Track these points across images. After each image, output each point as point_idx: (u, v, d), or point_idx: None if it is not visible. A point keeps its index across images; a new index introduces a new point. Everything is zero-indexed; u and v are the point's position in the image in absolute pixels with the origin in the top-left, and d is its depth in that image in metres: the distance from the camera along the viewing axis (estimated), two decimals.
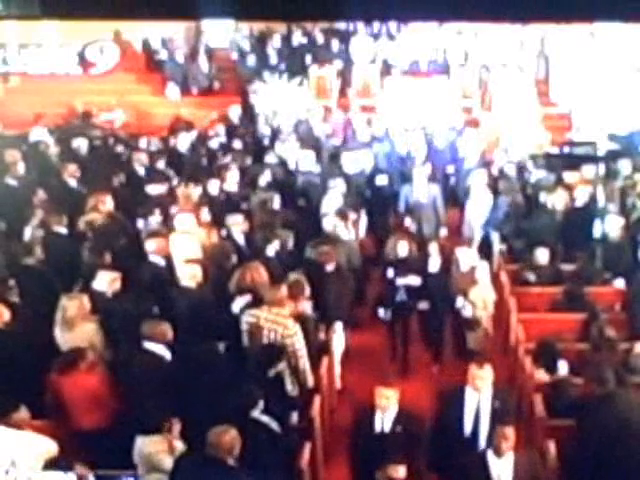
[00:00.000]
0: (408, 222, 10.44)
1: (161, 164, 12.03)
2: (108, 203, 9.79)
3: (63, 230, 9.25)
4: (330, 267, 8.66)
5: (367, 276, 10.30)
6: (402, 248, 9.00)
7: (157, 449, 6.01)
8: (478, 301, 8.68)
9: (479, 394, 6.10)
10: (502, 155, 12.50)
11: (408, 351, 9.10)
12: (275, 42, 16.99)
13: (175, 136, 13.50)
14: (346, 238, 9.60)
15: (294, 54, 16.77)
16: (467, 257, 8.96)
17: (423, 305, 8.84)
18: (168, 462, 5.88)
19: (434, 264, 8.92)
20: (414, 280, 8.77)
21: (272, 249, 8.88)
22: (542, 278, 9.28)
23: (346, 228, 9.71)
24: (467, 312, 8.69)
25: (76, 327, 7.13)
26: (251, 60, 16.58)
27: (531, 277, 9.35)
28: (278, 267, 8.45)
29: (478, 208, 11.05)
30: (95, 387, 6.60)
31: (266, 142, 13.48)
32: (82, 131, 13.73)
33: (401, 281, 8.77)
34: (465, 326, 8.77)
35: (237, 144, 13.24)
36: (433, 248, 8.95)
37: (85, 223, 9.43)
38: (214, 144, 13.39)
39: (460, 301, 8.71)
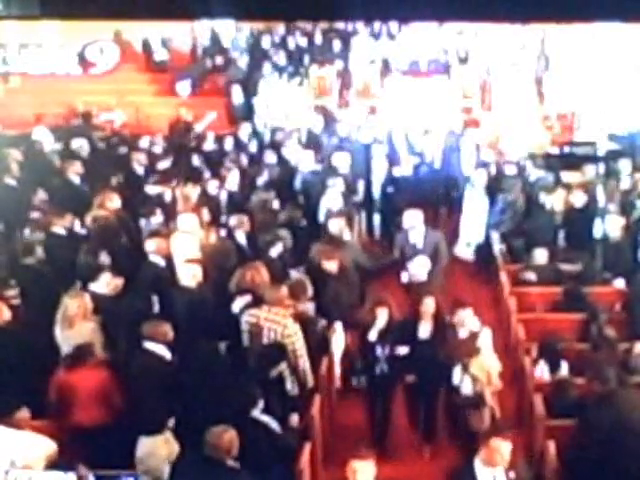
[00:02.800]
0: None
1: (161, 164, 12.03)
2: (115, 201, 9.80)
3: (62, 231, 9.24)
4: (333, 267, 8.58)
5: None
6: (382, 316, 7.48)
7: (157, 450, 6.00)
8: (481, 374, 7.14)
9: (494, 469, 5.41)
10: (501, 155, 12.49)
11: (390, 431, 7.76)
12: (275, 42, 16.97)
13: (175, 136, 13.49)
14: (350, 239, 9.55)
15: (294, 54, 16.76)
16: (466, 321, 7.41)
17: (410, 378, 7.52)
18: (167, 463, 5.89)
19: (425, 328, 7.54)
20: (401, 350, 7.46)
21: (275, 251, 8.83)
22: (542, 278, 9.29)
23: (350, 229, 9.66)
24: (466, 389, 7.16)
25: (75, 326, 7.14)
26: (251, 60, 16.56)
27: (532, 277, 9.34)
28: (279, 267, 8.44)
29: (477, 210, 11.03)
30: (101, 383, 6.60)
31: (266, 142, 13.46)
32: (82, 131, 13.73)
33: (385, 350, 7.46)
34: (465, 405, 7.09)
35: (237, 144, 13.23)
36: (428, 305, 7.54)
37: (92, 219, 9.42)
38: (213, 144, 13.37)
39: (458, 376, 7.18)
